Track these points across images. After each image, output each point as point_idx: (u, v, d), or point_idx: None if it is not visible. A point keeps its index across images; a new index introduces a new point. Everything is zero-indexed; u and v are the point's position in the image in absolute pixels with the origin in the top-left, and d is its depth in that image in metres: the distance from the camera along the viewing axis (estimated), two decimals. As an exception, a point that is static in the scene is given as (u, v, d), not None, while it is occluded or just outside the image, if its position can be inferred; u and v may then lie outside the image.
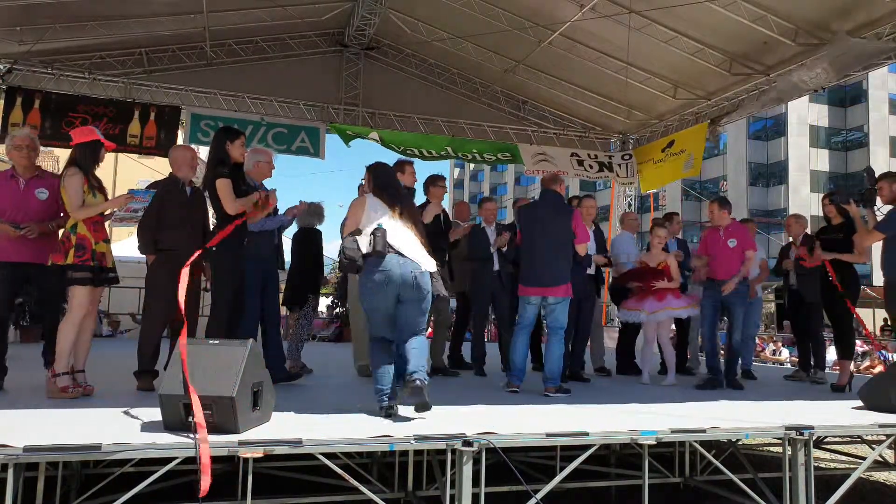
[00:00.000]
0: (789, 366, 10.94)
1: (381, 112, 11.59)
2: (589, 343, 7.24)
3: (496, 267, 6.64)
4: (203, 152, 6.59)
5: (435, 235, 5.56)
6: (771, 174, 40.54)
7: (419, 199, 6.22)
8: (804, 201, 37.83)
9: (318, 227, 6.70)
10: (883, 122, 38.83)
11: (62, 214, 4.54)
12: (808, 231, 7.09)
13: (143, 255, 4.92)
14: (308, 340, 6.66)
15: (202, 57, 10.62)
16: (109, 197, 4.56)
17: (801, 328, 7.27)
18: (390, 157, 13.33)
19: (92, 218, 4.36)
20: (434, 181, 6.43)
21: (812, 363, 7.05)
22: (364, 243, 3.82)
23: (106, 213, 4.48)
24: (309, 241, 6.55)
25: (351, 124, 11.14)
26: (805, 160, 39.04)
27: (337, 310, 13.61)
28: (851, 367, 6.44)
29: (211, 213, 4.85)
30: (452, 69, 11.78)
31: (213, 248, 4.53)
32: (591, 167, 12.02)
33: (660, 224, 7.02)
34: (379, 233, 3.82)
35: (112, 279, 4.50)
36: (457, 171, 68.42)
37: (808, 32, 8.25)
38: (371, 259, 3.81)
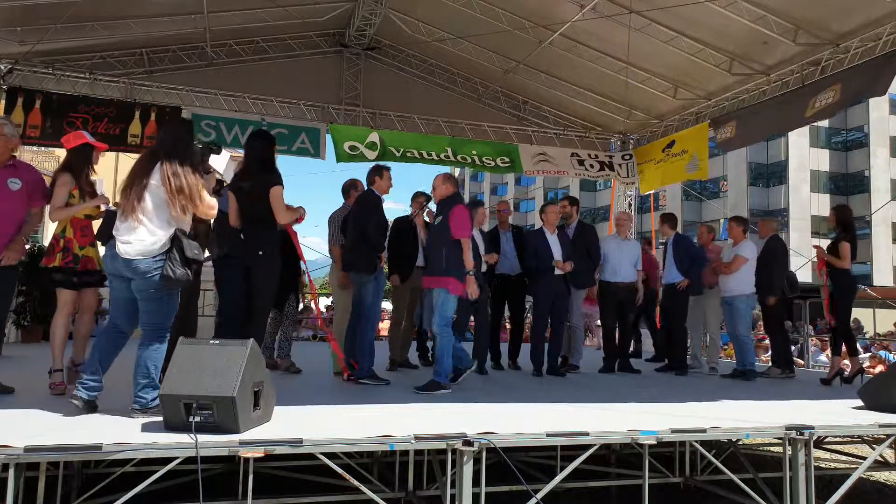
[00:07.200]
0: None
1: (382, 112, 11.57)
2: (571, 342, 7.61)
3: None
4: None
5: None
6: (771, 174, 40.48)
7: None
8: (804, 201, 37.81)
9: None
10: (883, 122, 38.78)
11: (34, 210, 4.48)
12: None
13: None
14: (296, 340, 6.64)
15: (203, 57, 10.61)
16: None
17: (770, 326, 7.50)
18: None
19: (80, 222, 4.37)
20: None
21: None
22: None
23: (95, 214, 4.47)
24: (286, 242, 6.43)
25: (351, 124, 11.13)
26: (805, 160, 38.98)
27: (337, 310, 13.61)
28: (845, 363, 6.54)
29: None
30: (453, 69, 11.77)
31: (262, 253, 4.62)
32: (591, 167, 12.00)
33: None
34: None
35: (94, 282, 4.51)
36: (457, 170, 68.36)
37: (808, 32, 8.24)
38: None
